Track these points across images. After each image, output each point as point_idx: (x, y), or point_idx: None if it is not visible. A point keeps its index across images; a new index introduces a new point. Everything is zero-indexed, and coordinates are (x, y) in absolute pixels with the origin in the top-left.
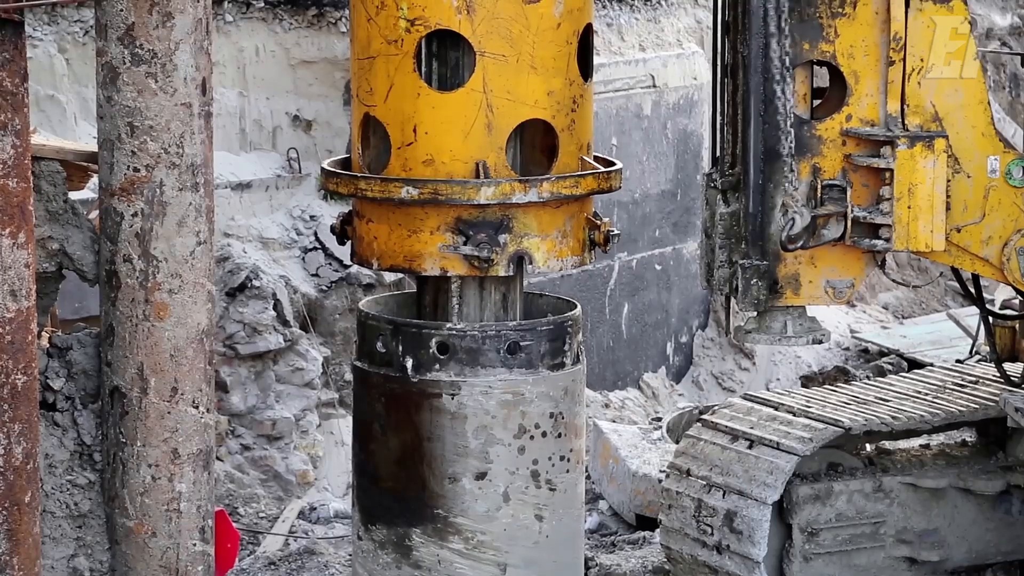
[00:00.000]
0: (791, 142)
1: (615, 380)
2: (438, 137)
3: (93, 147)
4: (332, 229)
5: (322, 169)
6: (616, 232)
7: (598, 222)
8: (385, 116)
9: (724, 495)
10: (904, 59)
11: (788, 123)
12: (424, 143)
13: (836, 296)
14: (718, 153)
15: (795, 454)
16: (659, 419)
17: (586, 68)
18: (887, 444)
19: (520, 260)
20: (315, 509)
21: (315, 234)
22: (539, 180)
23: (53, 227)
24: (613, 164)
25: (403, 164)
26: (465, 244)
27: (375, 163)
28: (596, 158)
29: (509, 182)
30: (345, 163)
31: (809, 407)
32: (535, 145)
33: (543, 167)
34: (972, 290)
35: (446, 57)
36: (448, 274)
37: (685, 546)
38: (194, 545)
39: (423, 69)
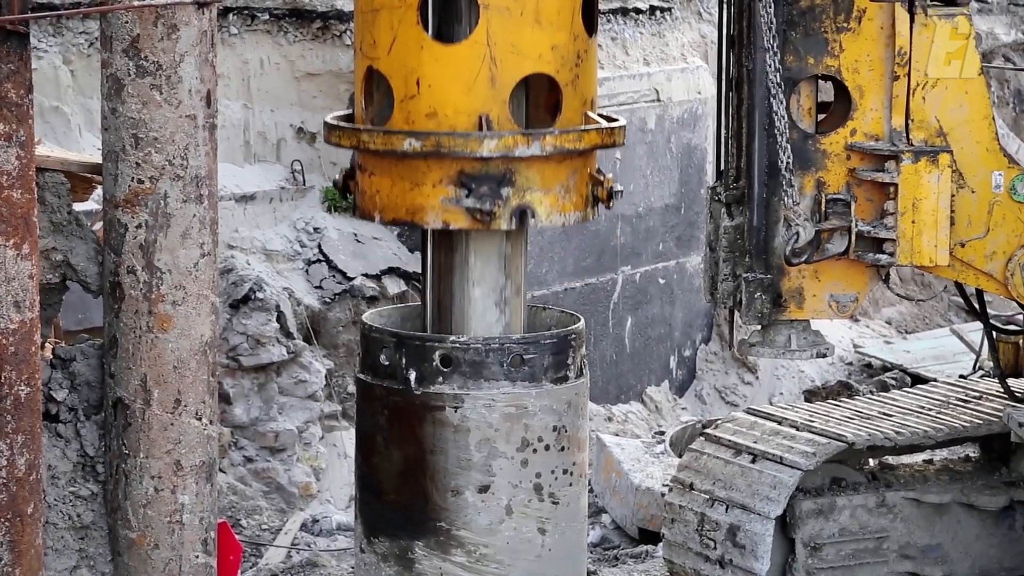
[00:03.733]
0: (788, 156)
1: (618, 393)
2: (441, 90)
3: (97, 158)
4: (335, 184)
5: (324, 123)
6: (619, 188)
7: (601, 178)
8: (388, 69)
9: (727, 509)
10: (909, 74)
11: (784, 138)
12: (427, 96)
13: (840, 310)
14: (722, 167)
15: (798, 469)
16: (662, 433)
17: (591, 23)
18: (890, 459)
19: (523, 214)
20: (318, 521)
21: (319, 246)
22: (542, 133)
23: (57, 238)
24: (616, 120)
25: (406, 117)
26: (467, 197)
27: (378, 118)
28: (600, 115)
29: (512, 135)
30: (348, 119)
31: (812, 422)
32: (539, 104)
33: (547, 125)
34: (976, 305)
35: (450, 9)
36: (450, 227)
37: (688, 560)
38: (196, 557)
39: (427, 22)
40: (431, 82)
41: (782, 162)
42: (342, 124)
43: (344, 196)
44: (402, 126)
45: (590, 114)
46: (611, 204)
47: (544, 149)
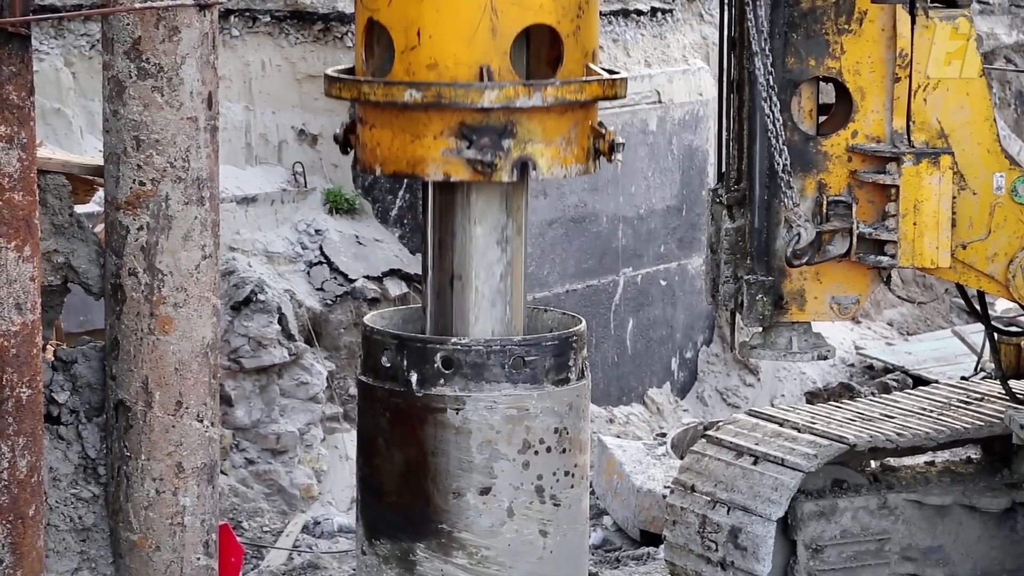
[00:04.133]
0: (785, 159)
1: (620, 395)
2: (442, 41)
3: (99, 161)
4: (335, 138)
5: (325, 75)
6: (621, 141)
7: (603, 131)
8: (389, 20)
9: (729, 511)
10: (910, 75)
11: (780, 140)
12: (428, 47)
13: (841, 312)
14: (724, 169)
15: (800, 470)
16: (664, 435)
17: None
18: (892, 461)
19: (524, 166)
20: (319, 523)
21: (320, 248)
22: (543, 84)
23: (59, 240)
24: (618, 72)
25: (407, 68)
26: (468, 148)
27: (379, 71)
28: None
29: (513, 86)
30: (349, 73)
31: (814, 423)
32: (540, 58)
33: (549, 78)
34: (977, 307)
35: None
36: (451, 179)
37: (689, 562)
38: (198, 559)
39: None
40: (432, 33)
41: (778, 164)
42: (343, 76)
43: (344, 151)
44: (403, 77)
45: (592, 66)
46: (612, 157)
47: (545, 100)
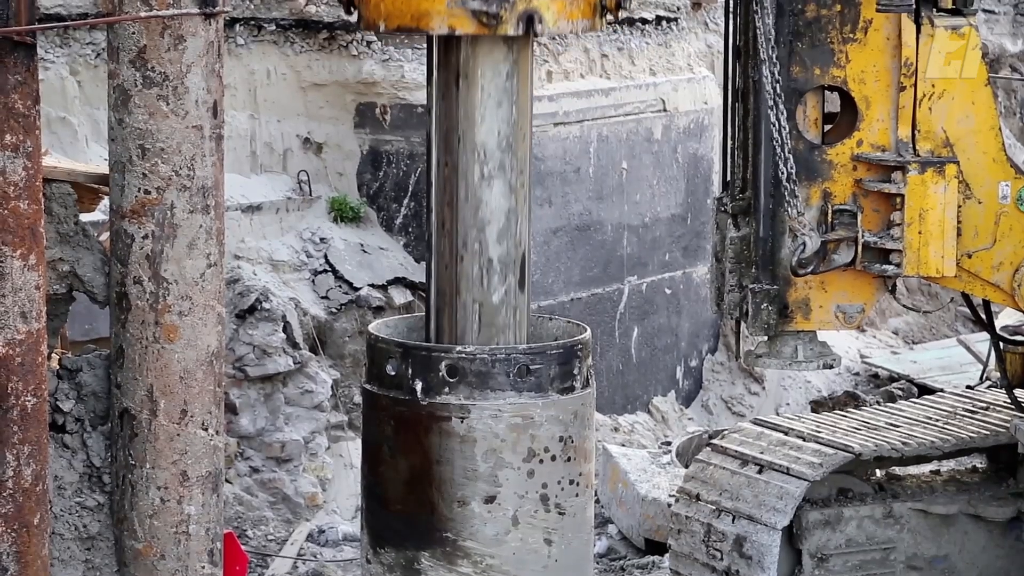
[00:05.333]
0: (791, 168)
1: (624, 404)
2: None
3: (104, 169)
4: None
5: None
6: None
7: None
8: None
9: (734, 520)
10: (915, 84)
11: (786, 149)
12: None
13: (846, 321)
14: (729, 177)
15: (805, 479)
16: (668, 443)
17: None
18: (897, 470)
19: (530, 19)
20: (324, 532)
21: (325, 256)
22: None
23: (64, 249)
24: None
25: None
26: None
27: None
28: None
29: None
30: None
31: (819, 432)
32: None
33: None
34: (983, 316)
35: None
36: (456, 33)
37: (694, 571)
38: (203, 568)
39: None
40: None
41: (783, 173)
42: None
43: (348, 10)
44: None
45: None
46: (619, 14)
47: None
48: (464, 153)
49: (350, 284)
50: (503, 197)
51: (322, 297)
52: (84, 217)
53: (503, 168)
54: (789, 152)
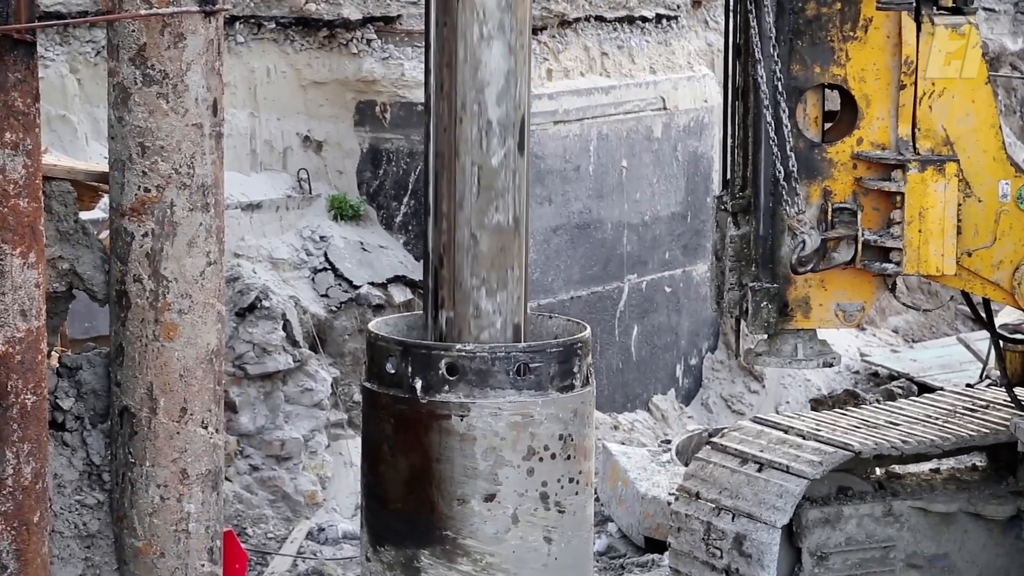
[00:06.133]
0: (790, 166)
1: (624, 402)
2: None
3: (104, 167)
4: None
5: None
6: None
7: None
8: None
9: (733, 518)
10: (915, 83)
11: (787, 147)
12: None
13: (846, 319)
14: (729, 176)
15: (805, 477)
16: (668, 441)
17: None
18: (897, 468)
19: None
20: (323, 530)
21: (325, 255)
22: None
23: (63, 247)
24: None
25: None
26: None
27: None
28: None
29: None
30: None
31: (819, 430)
32: None
33: None
34: (982, 314)
35: None
36: None
37: (694, 569)
38: (202, 566)
39: None
40: None
41: (780, 171)
42: None
43: None
44: None
45: None
46: None
47: None
48: (463, 12)
49: (350, 282)
50: (502, 58)
51: (322, 295)
52: (84, 215)
53: (503, 28)
54: (788, 151)
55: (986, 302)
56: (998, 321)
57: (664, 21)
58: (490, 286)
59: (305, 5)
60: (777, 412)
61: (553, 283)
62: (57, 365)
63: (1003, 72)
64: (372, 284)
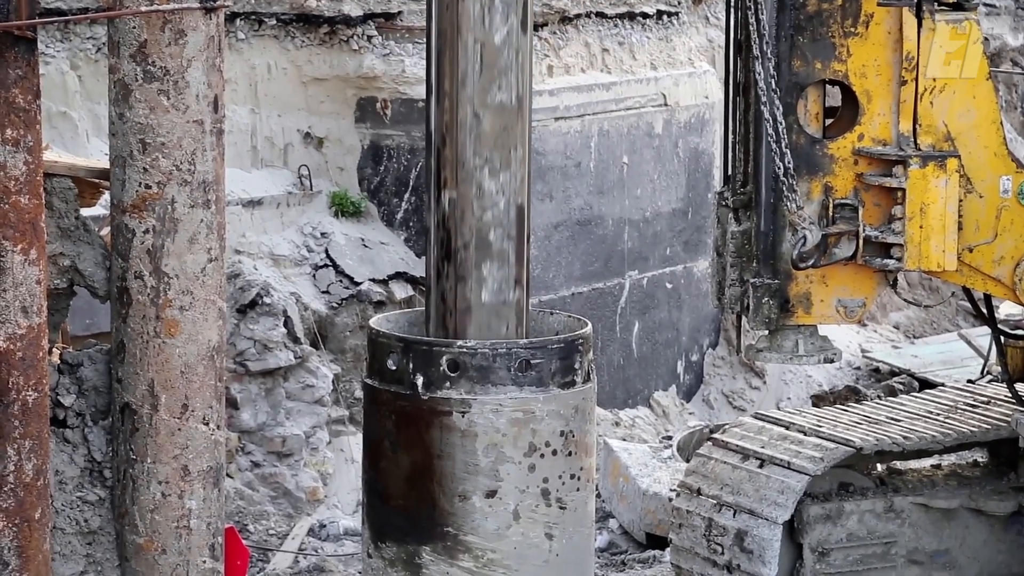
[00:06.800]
0: (788, 163)
1: (625, 398)
2: None
3: (105, 164)
4: None
5: None
6: None
7: None
8: None
9: (735, 514)
10: (916, 79)
11: (782, 144)
12: None
13: (847, 315)
14: (730, 172)
15: (806, 474)
16: (669, 438)
17: None
18: (898, 464)
19: None
20: (325, 526)
21: (326, 251)
22: None
23: (64, 244)
24: None
25: None
26: None
27: None
28: None
29: None
30: None
31: (820, 426)
32: None
33: None
34: (984, 310)
35: None
36: None
37: (695, 565)
38: (204, 562)
39: None
40: None
41: (779, 168)
42: None
43: None
44: None
45: None
46: None
47: None
48: None
49: (351, 279)
50: None
51: (323, 292)
52: (85, 212)
53: None
54: (786, 147)
55: (987, 298)
56: (999, 316)
57: (665, 17)
58: (493, 165)
59: (306, 2)
60: (778, 408)
61: (554, 279)
62: (58, 362)
63: (1004, 68)
64: (373, 280)
